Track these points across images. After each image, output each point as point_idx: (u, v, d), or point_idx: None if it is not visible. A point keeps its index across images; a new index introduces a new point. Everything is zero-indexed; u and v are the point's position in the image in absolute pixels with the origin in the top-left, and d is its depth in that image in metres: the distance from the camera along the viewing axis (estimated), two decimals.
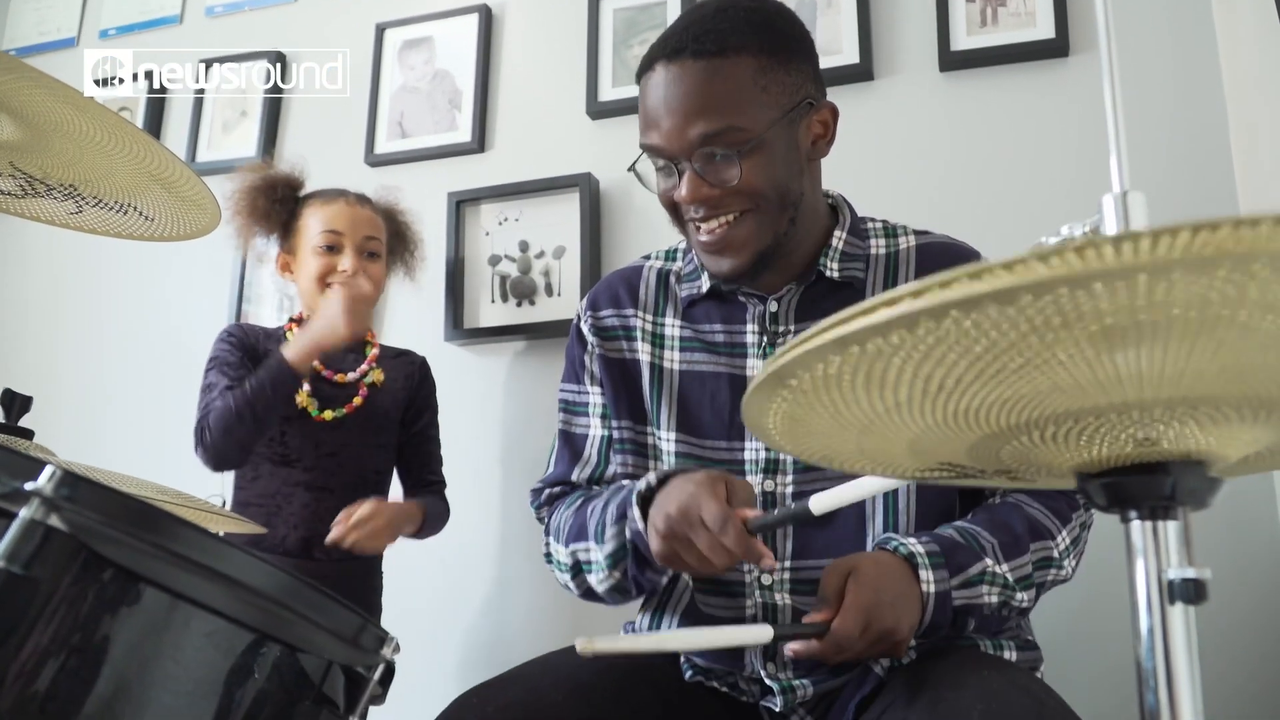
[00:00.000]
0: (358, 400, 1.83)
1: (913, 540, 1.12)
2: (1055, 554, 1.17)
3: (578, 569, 1.27)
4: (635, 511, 1.15)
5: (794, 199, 1.21)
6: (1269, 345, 0.48)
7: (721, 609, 1.25)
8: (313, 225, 1.86)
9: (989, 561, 1.12)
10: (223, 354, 1.81)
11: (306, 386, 1.79)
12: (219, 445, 1.68)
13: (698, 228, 1.22)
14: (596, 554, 1.23)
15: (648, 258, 1.42)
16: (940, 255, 1.29)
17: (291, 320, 1.91)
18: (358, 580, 1.82)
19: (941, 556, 1.10)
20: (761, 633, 1.02)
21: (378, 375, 1.87)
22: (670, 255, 1.40)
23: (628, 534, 1.17)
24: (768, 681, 1.19)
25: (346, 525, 1.66)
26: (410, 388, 1.94)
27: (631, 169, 1.26)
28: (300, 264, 1.88)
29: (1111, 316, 0.45)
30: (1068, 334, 0.47)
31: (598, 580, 1.25)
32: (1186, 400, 0.53)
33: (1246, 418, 0.56)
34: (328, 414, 1.80)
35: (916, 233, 1.32)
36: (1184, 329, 0.46)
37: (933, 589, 1.08)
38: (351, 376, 1.85)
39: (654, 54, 1.21)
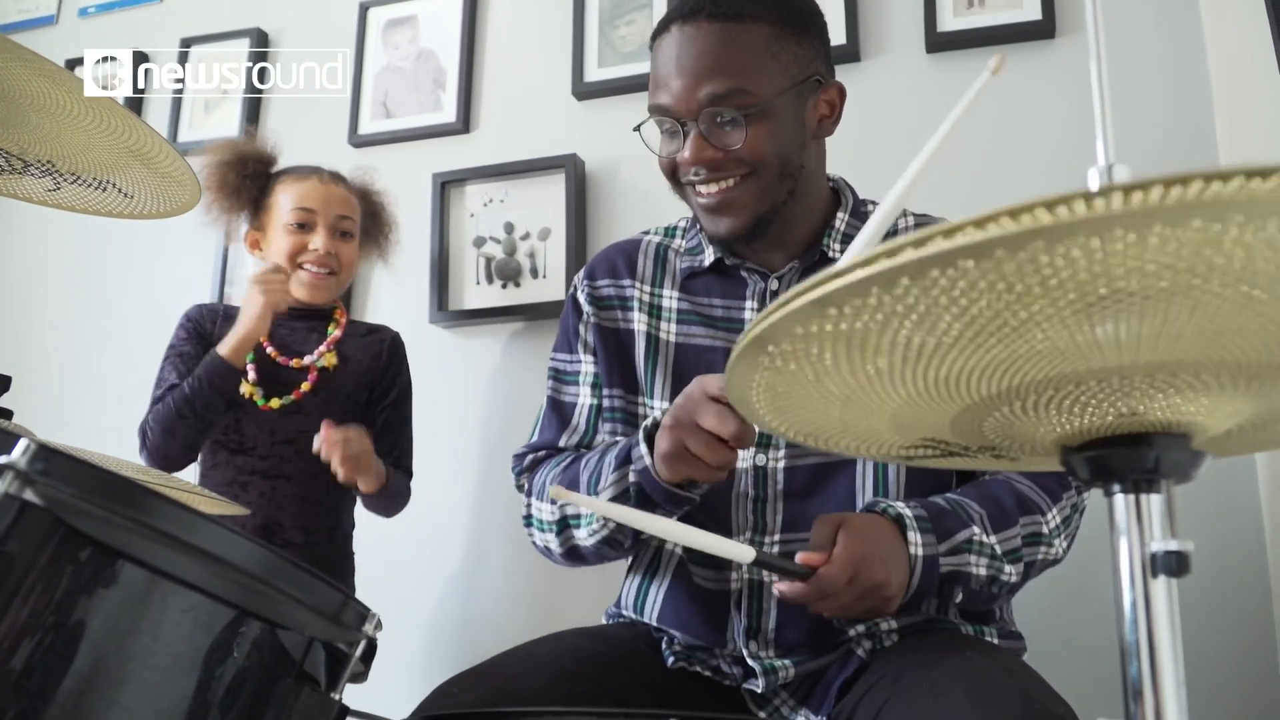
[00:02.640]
0: (305, 386, 1.79)
1: (900, 504, 1.12)
2: (1045, 530, 1.17)
3: (564, 524, 1.26)
4: (642, 447, 1.13)
5: (794, 170, 1.22)
6: (1242, 311, 0.48)
7: (709, 580, 1.25)
8: (284, 202, 1.82)
9: (976, 530, 1.12)
10: (178, 343, 1.82)
11: (253, 375, 1.76)
12: (162, 446, 1.68)
13: (697, 190, 1.23)
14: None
15: (646, 233, 1.42)
16: None
17: None
18: (326, 565, 1.78)
19: (929, 521, 1.10)
20: (744, 551, 0.99)
21: (330, 359, 1.82)
22: (670, 232, 1.40)
23: (631, 477, 1.15)
24: (749, 661, 1.19)
25: (329, 441, 1.61)
26: (377, 366, 1.89)
27: (637, 129, 1.26)
28: (270, 241, 1.84)
29: (1086, 274, 0.45)
30: (1045, 298, 0.47)
31: (588, 533, 1.23)
32: (1166, 366, 0.53)
33: (1227, 386, 0.56)
34: (274, 402, 1.77)
35: (916, 215, 1.33)
36: (1159, 293, 0.46)
37: (920, 552, 1.08)
38: (306, 360, 1.80)
39: (670, 16, 1.22)
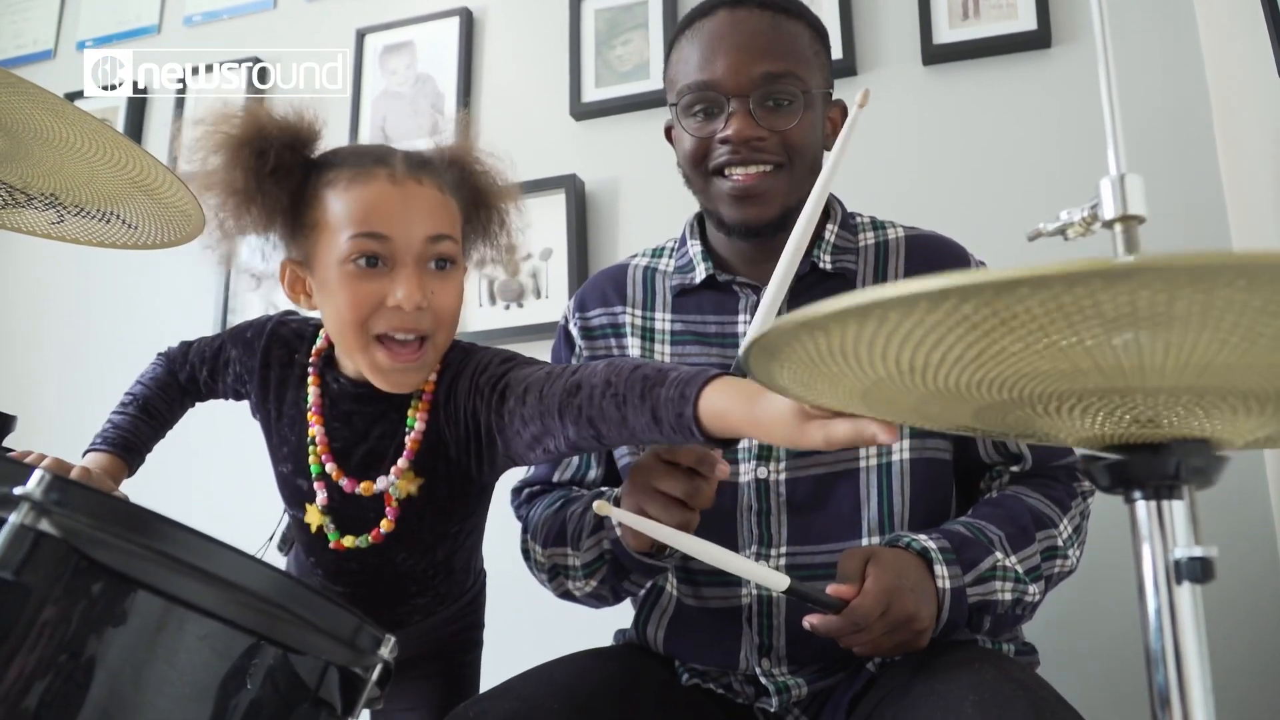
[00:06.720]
0: (386, 525, 1.14)
1: (923, 536, 1.11)
2: (1060, 543, 1.17)
3: (556, 572, 1.25)
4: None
5: (817, 170, 1.22)
6: (1275, 346, 0.47)
7: (717, 599, 1.23)
8: (338, 219, 1.07)
9: (999, 555, 1.11)
10: (204, 351, 1.27)
11: (322, 498, 1.16)
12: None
13: (728, 175, 1.21)
14: (574, 560, 1.21)
15: (633, 256, 1.41)
16: (928, 248, 1.29)
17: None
18: (458, 610, 1.35)
19: (953, 553, 1.09)
20: (779, 579, 1.00)
21: (408, 484, 1.14)
22: (656, 253, 1.39)
23: (605, 544, 1.16)
24: (762, 680, 1.19)
25: None
26: (454, 406, 1.14)
27: (672, 106, 1.26)
28: (324, 286, 1.10)
29: (1112, 311, 0.44)
30: (1065, 323, 0.45)
31: (575, 587, 1.23)
32: (1191, 389, 0.52)
33: (1254, 409, 0.55)
34: (348, 541, 1.16)
35: (905, 227, 1.32)
36: (1185, 325, 0.45)
37: (948, 584, 1.07)
38: (380, 485, 1.13)
39: (714, 2, 1.24)
